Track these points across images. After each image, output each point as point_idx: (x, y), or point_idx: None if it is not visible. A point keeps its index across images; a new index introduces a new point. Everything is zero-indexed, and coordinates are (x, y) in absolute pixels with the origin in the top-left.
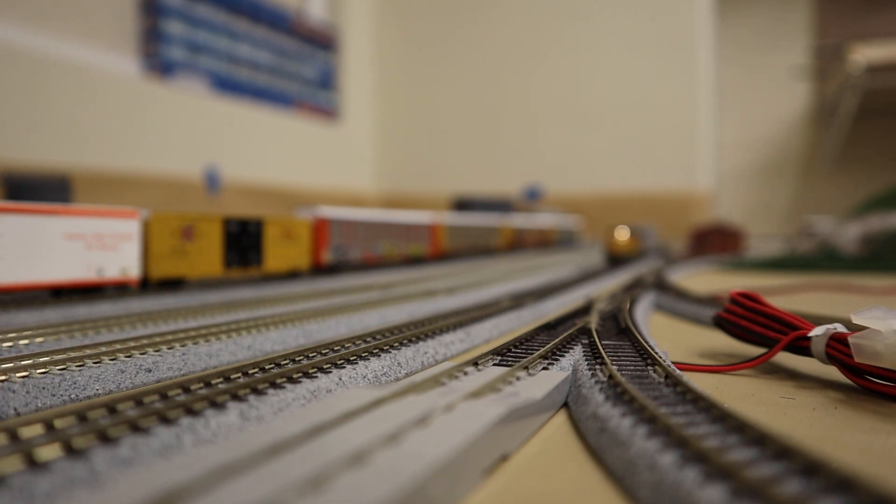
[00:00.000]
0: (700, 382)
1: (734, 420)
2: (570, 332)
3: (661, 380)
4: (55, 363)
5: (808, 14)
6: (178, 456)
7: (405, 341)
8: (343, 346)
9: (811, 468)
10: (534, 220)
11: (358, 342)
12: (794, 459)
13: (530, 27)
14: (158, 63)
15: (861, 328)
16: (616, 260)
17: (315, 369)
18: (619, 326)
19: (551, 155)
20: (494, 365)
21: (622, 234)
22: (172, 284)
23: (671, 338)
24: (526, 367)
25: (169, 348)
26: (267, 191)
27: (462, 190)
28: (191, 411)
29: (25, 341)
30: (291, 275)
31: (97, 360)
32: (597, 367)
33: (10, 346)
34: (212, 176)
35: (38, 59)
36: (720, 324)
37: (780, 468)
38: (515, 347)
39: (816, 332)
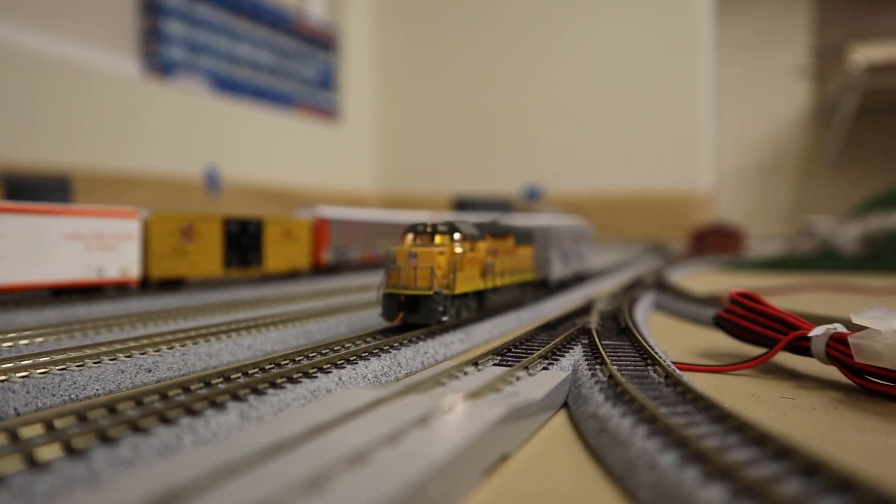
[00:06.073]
0: (700, 382)
1: (734, 420)
2: (570, 332)
3: (661, 380)
4: (55, 363)
5: (808, 14)
6: (178, 456)
7: (405, 341)
8: (343, 346)
9: (811, 468)
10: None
11: (358, 342)
12: (794, 459)
13: (530, 27)
14: (158, 63)
15: (861, 328)
16: (411, 309)
17: (315, 369)
18: (619, 326)
19: (551, 155)
20: (494, 365)
21: (427, 249)
22: (172, 284)
23: (671, 338)
24: (526, 367)
25: (169, 348)
26: (267, 191)
27: (462, 190)
28: (191, 411)
29: (25, 341)
30: (291, 275)
31: (97, 360)
32: (597, 367)
33: (10, 346)
34: (212, 176)
35: (38, 59)
36: (720, 324)
37: (780, 468)
38: (515, 347)
39: (816, 332)
